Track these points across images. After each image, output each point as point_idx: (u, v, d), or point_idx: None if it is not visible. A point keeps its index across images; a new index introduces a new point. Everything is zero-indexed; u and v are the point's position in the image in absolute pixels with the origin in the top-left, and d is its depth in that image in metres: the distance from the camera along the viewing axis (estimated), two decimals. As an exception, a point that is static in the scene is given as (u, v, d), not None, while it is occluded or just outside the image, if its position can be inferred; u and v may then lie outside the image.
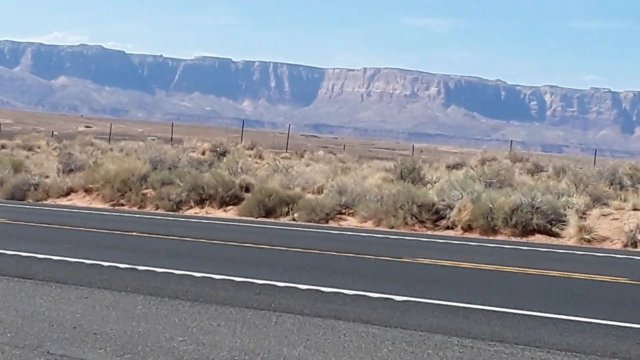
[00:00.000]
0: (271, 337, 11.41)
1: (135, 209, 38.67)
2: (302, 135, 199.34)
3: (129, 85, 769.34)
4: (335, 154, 72.49)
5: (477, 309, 14.01)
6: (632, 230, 28.34)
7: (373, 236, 28.27)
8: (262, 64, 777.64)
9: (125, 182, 40.38)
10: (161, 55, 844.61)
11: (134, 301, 13.61)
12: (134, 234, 25.08)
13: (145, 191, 40.15)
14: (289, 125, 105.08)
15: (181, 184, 38.70)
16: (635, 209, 32.07)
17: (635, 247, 27.60)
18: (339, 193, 35.50)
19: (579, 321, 13.26)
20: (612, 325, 13.04)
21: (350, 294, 14.91)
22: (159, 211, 37.74)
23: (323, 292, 15.04)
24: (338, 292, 14.97)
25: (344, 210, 34.83)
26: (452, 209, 32.05)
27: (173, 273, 16.58)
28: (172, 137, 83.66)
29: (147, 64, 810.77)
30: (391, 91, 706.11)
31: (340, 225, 33.36)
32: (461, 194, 32.74)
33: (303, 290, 15.17)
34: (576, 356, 11.09)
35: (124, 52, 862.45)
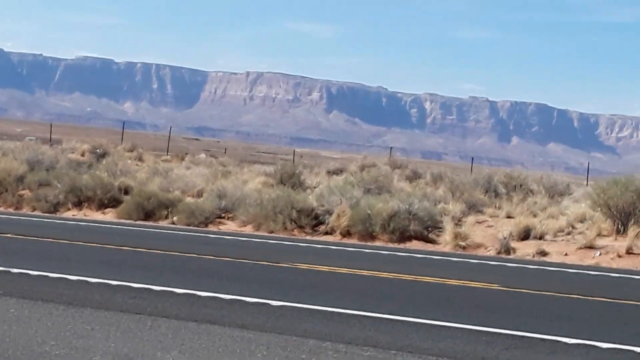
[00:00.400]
0: (145, 342, 11.37)
1: (11, 210, 37.94)
2: (184, 138, 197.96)
3: (8, 84, 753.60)
4: (216, 158, 72.20)
5: (352, 314, 14.17)
6: (505, 238, 29.00)
7: (252, 241, 28.32)
8: (144, 66, 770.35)
9: (1, 182, 39.60)
10: (41, 54, 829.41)
11: (6, 304, 13.39)
12: (9, 235, 24.63)
13: (21, 192, 39.43)
14: (170, 128, 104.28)
15: (59, 185, 38.12)
16: (509, 217, 32.81)
17: (508, 254, 28.24)
18: (218, 197, 35.44)
19: (451, 326, 13.54)
20: (483, 330, 13.33)
21: (227, 298, 14.94)
22: (35, 213, 37.10)
23: (200, 296, 15.03)
24: (215, 297, 14.98)
25: (223, 215, 34.79)
26: (331, 214, 32.31)
27: (47, 276, 16.37)
28: (51, 138, 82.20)
29: (27, 62, 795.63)
30: (274, 95, 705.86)
31: (219, 229, 33.32)
32: (340, 199, 33.03)
33: (179, 294, 15.15)
34: (447, 361, 11.34)
35: (2, 50, 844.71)
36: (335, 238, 31.44)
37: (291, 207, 32.67)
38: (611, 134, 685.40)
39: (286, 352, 11.25)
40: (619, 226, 29.65)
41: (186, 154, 76.86)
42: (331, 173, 52.32)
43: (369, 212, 31.23)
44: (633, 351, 12.41)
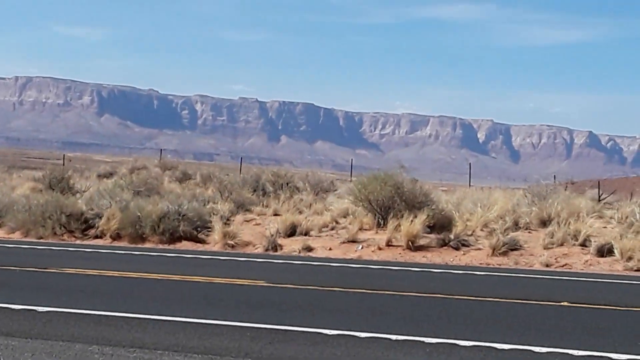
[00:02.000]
0: None
1: None
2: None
3: None
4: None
5: (120, 316, 14.33)
6: (272, 235, 29.65)
7: (20, 247, 27.84)
8: None
9: None
10: None
11: None
12: None
13: None
14: None
15: None
16: (276, 214, 33.50)
17: (276, 250, 28.86)
18: (-16, 204, 34.61)
19: (217, 324, 13.89)
20: (247, 326, 13.75)
21: (-8, 307, 14.79)
22: None
23: (-37, 306, 14.81)
24: (-21, 306, 14.80)
25: (-9, 222, 33.99)
26: (101, 218, 32.14)
27: None
28: None
29: None
30: (44, 100, 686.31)
31: (-15, 237, 32.54)
32: (110, 202, 32.89)
33: (-58, 305, 14.87)
34: (212, 358, 11.67)
35: None
36: (106, 241, 31.30)
37: (60, 212, 32.29)
38: (375, 131, 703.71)
39: (52, 358, 11.33)
40: (380, 220, 30.80)
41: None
42: (102, 176, 51.79)
43: (139, 214, 31.26)
44: (388, 339, 13.11)
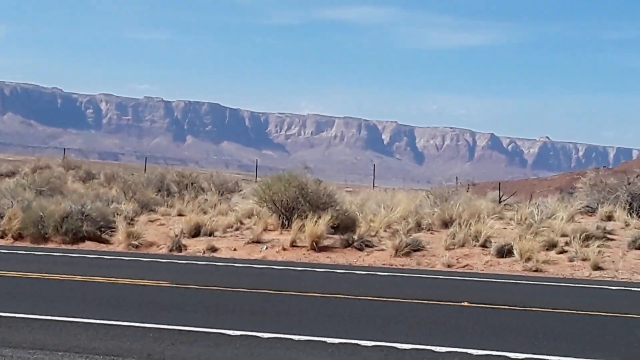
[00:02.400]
0: None
1: None
2: None
3: None
4: None
5: (20, 317, 14.19)
6: (176, 235, 29.57)
7: None
8: None
9: None
10: None
11: None
12: None
13: None
14: None
15: None
16: (180, 215, 33.42)
17: (180, 251, 28.78)
18: None
19: (119, 325, 13.85)
20: (150, 327, 13.74)
21: None
22: None
23: None
24: None
25: None
26: (2, 217, 31.70)
27: None
28: None
29: None
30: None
31: None
32: (11, 202, 32.48)
33: None
34: (114, 359, 11.66)
35: None
36: (7, 241, 30.87)
37: (-41, 212, 31.77)
38: (280, 131, 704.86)
39: (-50, 360, 11.21)
40: (284, 220, 30.94)
41: None
42: (3, 176, 51.04)
43: (41, 214, 30.92)
44: (291, 339, 13.22)
